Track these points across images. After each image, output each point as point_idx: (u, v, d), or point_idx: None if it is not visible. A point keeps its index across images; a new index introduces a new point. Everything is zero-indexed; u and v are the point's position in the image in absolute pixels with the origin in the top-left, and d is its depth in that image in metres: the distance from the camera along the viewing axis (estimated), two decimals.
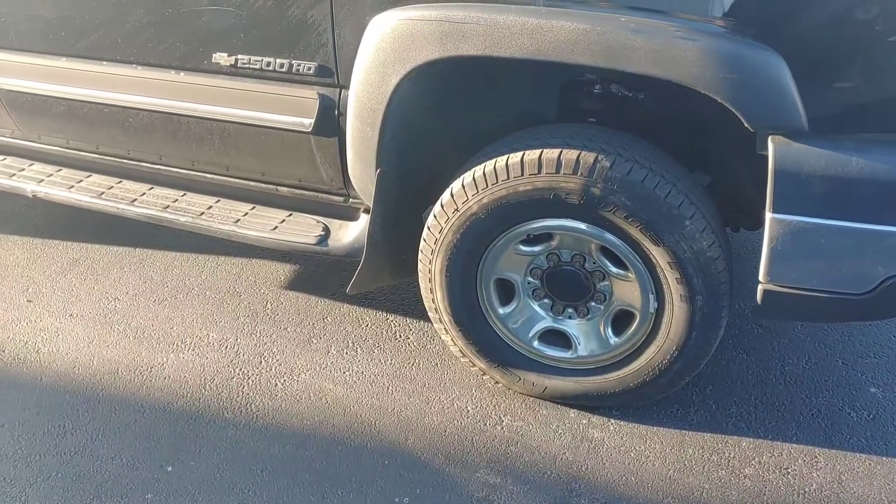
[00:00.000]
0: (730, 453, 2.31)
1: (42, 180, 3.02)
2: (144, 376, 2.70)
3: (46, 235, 3.53)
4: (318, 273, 3.20)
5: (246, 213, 2.74)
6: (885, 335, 2.69)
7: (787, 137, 1.88)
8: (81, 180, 3.00)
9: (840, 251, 1.94)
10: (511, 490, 2.23)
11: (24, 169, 3.10)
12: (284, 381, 2.65)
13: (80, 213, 3.37)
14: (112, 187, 2.95)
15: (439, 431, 2.43)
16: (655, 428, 2.40)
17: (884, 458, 2.26)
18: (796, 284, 2.03)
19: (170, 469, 2.35)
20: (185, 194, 2.87)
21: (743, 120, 1.88)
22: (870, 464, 2.24)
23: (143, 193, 2.90)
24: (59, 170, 3.06)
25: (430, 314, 2.49)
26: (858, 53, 1.89)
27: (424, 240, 2.36)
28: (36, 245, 3.47)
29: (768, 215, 1.95)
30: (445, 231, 2.29)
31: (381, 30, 2.10)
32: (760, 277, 2.06)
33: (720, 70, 1.83)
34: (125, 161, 2.88)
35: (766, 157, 1.92)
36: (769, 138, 1.90)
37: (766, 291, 2.07)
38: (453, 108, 2.41)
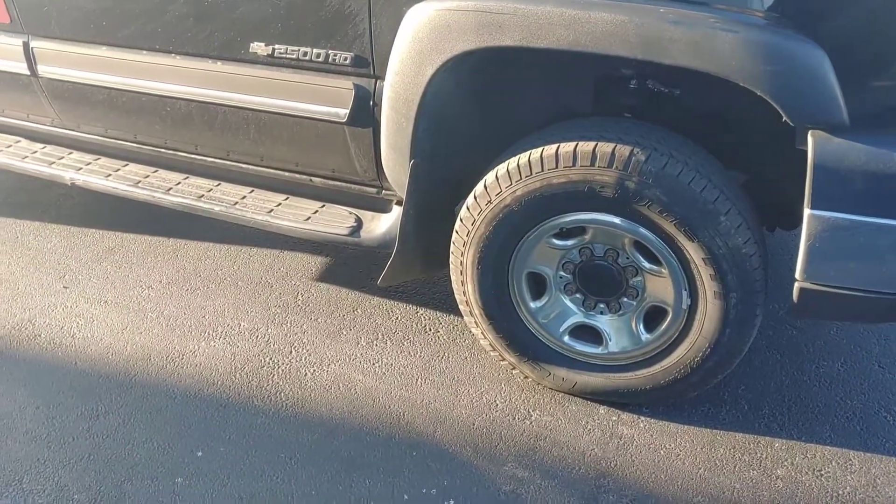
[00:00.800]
0: (762, 454, 2.28)
1: (80, 168, 3.06)
2: (176, 363, 2.73)
3: (83, 224, 3.58)
4: (348, 265, 3.21)
5: (279, 204, 2.76)
6: None
7: (828, 132, 1.85)
8: (119, 169, 3.04)
9: (880, 249, 1.91)
10: (539, 484, 2.22)
11: (63, 157, 3.15)
12: (314, 370, 2.66)
13: (115, 202, 3.43)
14: (148, 176, 2.98)
15: (468, 424, 2.43)
16: (686, 426, 2.38)
17: None
18: (834, 283, 2.00)
19: (200, 454, 2.37)
20: (219, 184, 2.90)
21: (783, 114, 1.86)
22: None
23: (179, 183, 2.93)
24: (98, 158, 3.11)
25: (460, 307, 2.49)
26: (888, 52, 1.86)
27: (457, 232, 2.36)
28: (73, 233, 3.52)
29: (806, 211, 1.93)
30: (478, 223, 2.28)
31: (418, 20, 2.10)
32: (797, 275, 2.03)
33: (760, 62, 1.81)
34: (162, 150, 2.92)
35: (804, 153, 1.90)
36: (809, 133, 1.87)
37: (802, 290, 2.03)
38: (488, 100, 2.40)
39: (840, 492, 2.15)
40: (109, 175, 3.01)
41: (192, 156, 2.87)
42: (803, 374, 2.54)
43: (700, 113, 2.34)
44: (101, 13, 2.62)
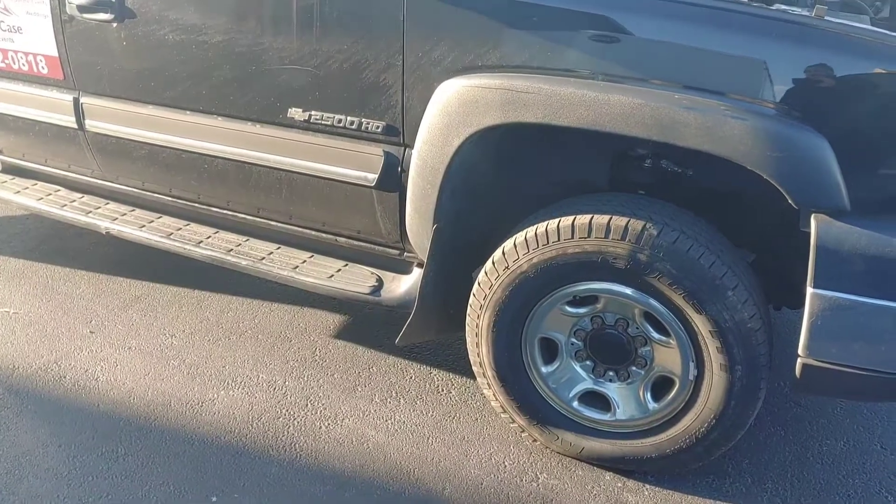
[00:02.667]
0: None
1: (116, 219, 3.21)
2: (195, 410, 2.81)
3: (111, 272, 3.71)
4: (365, 324, 3.31)
5: (304, 261, 2.88)
6: None
7: (830, 216, 1.96)
8: (153, 220, 3.18)
9: (879, 329, 2.00)
10: None
11: (99, 207, 3.30)
12: (328, 424, 2.74)
13: (144, 253, 3.56)
14: (181, 229, 3.12)
15: (476, 483, 2.49)
16: (690, 496, 2.43)
17: None
18: (835, 360, 2.08)
19: (214, 500, 2.44)
20: (247, 239, 3.03)
21: (788, 197, 1.98)
22: None
23: (209, 236, 3.06)
24: (132, 210, 3.26)
25: (474, 368, 2.58)
26: (885, 146, 1.97)
27: (474, 295, 2.46)
28: (101, 280, 3.64)
29: (809, 290, 2.02)
30: (495, 287, 2.39)
31: (448, 94, 2.25)
32: (800, 351, 2.11)
33: (768, 148, 1.94)
34: (195, 205, 3.05)
35: (808, 234, 2.01)
36: (812, 216, 1.98)
37: (805, 366, 2.12)
38: (509, 172, 2.54)
39: None
40: (143, 226, 3.15)
41: (224, 211, 3.01)
42: (806, 451, 2.60)
43: (711, 193, 2.45)
44: (150, 75, 2.79)
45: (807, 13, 2.03)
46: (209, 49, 2.62)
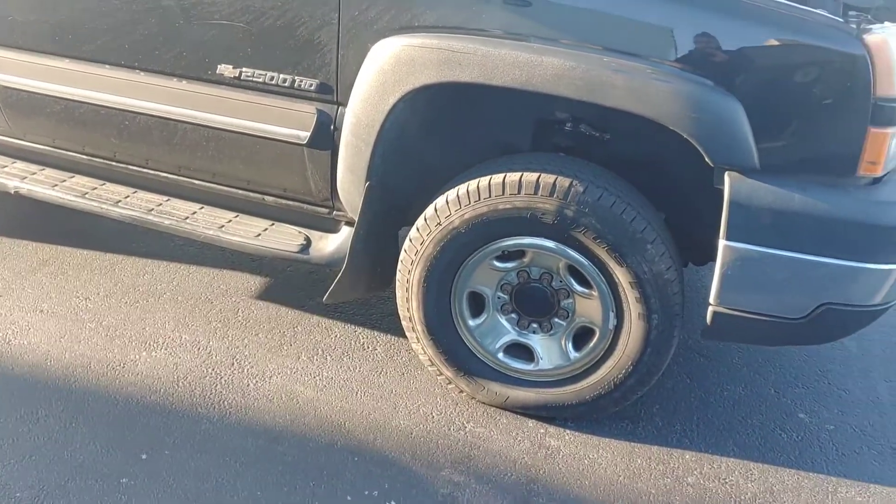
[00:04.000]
0: (674, 464, 2.51)
1: (25, 178, 3.09)
2: (117, 371, 2.77)
3: (15, 235, 3.57)
4: (287, 285, 3.33)
5: (230, 221, 2.87)
6: (813, 368, 2.96)
7: (742, 173, 2.14)
8: (65, 180, 3.09)
9: (782, 278, 2.20)
10: (474, 488, 2.38)
11: (6, 166, 3.16)
12: (256, 382, 2.76)
13: (48, 215, 3.46)
14: (96, 188, 3.04)
15: (406, 433, 2.57)
16: (607, 439, 2.59)
17: (811, 474, 2.49)
18: (743, 308, 2.28)
19: (144, 456, 2.43)
20: (168, 199, 2.98)
21: (705, 155, 2.14)
22: (798, 478, 2.47)
23: (128, 196, 3.00)
24: (43, 169, 3.14)
25: (403, 323, 2.65)
26: (799, 109, 2.16)
27: (405, 251, 2.53)
28: (4, 244, 3.50)
29: (721, 243, 2.20)
30: (427, 243, 2.47)
31: (386, 53, 2.30)
32: (711, 300, 2.30)
33: (688, 110, 2.09)
34: (111, 163, 2.98)
35: (715, 197, 2.18)
36: (725, 173, 2.15)
37: (715, 313, 2.31)
38: (438, 132, 2.61)
39: (742, 497, 2.40)
40: (56, 185, 3.05)
41: (143, 170, 2.95)
42: (710, 396, 2.81)
43: (626, 156, 2.60)
44: (68, 27, 2.71)
45: None
46: (133, 1, 2.56)
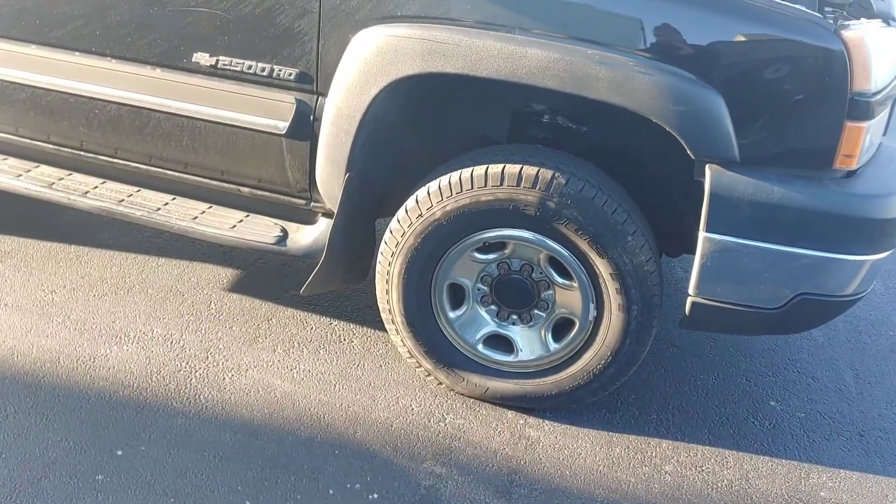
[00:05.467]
0: (652, 452, 2.54)
1: None
2: (87, 366, 2.71)
3: None
4: (260, 278, 3.28)
5: (203, 212, 2.82)
6: (782, 357, 3.02)
7: (722, 166, 2.17)
8: (30, 170, 3.00)
9: (760, 269, 2.24)
10: (456, 479, 2.38)
11: None
12: (232, 375, 2.72)
13: (9, 206, 3.36)
14: (62, 178, 2.96)
15: (386, 426, 2.56)
16: (586, 429, 2.62)
17: (783, 460, 2.55)
18: (721, 298, 2.31)
19: (119, 453, 2.38)
20: (139, 190, 2.92)
21: (686, 147, 2.16)
22: (772, 464, 2.53)
23: (96, 186, 2.93)
24: (6, 159, 3.05)
25: (382, 315, 2.64)
26: (779, 103, 2.19)
27: (386, 242, 2.52)
28: None
29: (701, 234, 2.23)
30: (408, 235, 2.46)
31: (368, 43, 2.28)
32: (690, 291, 2.33)
33: (671, 102, 2.11)
34: (79, 153, 2.90)
35: (697, 184, 2.21)
36: (707, 166, 2.18)
37: (694, 304, 2.34)
38: (417, 123, 2.60)
39: (719, 484, 2.44)
40: (20, 175, 2.96)
41: (112, 160, 2.87)
42: (684, 385, 2.86)
43: (603, 148, 2.62)
44: (35, 12, 2.63)
45: None
46: None
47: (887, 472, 2.52)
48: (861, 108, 2.12)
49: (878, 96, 2.14)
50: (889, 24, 2.29)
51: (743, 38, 2.13)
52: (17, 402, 2.53)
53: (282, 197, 2.72)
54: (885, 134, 2.42)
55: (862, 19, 2.24)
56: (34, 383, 2.61)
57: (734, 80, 2.15)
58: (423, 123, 2.63)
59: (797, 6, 2.17)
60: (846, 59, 2.07)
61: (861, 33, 2.11)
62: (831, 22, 2.12)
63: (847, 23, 2.14)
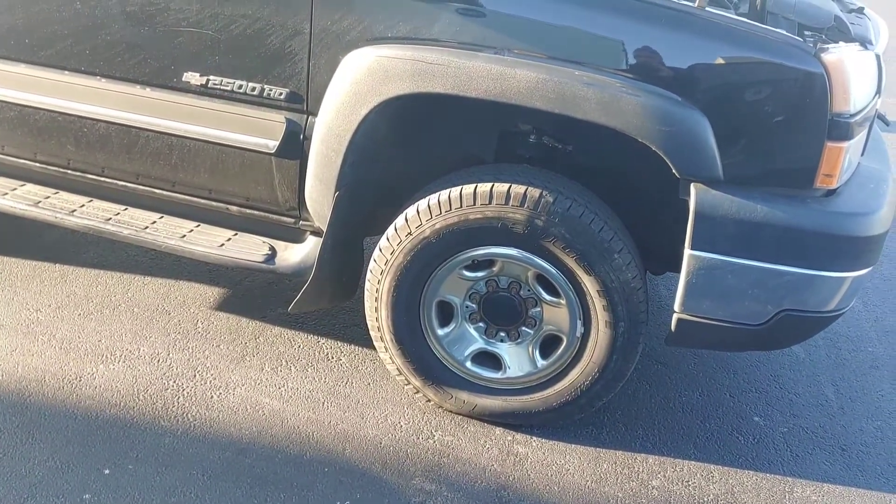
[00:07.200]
0: (639, 468, 2.57)
1: None
2: (73, 385, 2.70)
3: None
4: (246, 296, 3.29)
5: (191, 230, 2.82)
6: (764, 373, 3.06)
7: (707, 185, 2.21)
8: (16, 188, 2.99)
9: (744, 286, 2.28)
10: (446, 496, 2.39)
11: None
12: (220, 393, 2.72)
13: None
14: (49, 197, 2.96)
15: (375, 443, 2.57)
16: (573, 445, 2.64)
17: (768, 475, 2.58)
18: (706, 315, 2.35)
19: (107, 472, 2.37)
20: (126, 209, 2.91)
21: (672, 167, 2.20)
22: (756, 479, 2.56)
23: (83, 205, 2.92)
24: None
25: (371, 332, 2.65)
26: (761, 123, 2.24)
27: (375, 260, 2.54)
28: None
29: (687, 252, 2.27)
30: (397, 253, 2.48)
31: (359, 64, 2.31)
32: (676, 308, 2.37)
33: (657, 123, 2.16)
34: (65, 171, 2.90)
35: (682, 202, 2.25)
36: (691, 185, 2.22)
37: (679, 320, 2.38)
38: (405, 143, 2.63)
39: (705, 499, 2.47)
40: (6, 194, 2.95)
41: (99, 178, 2.87)
42: (669, 401, 2.89)
43: (588, 168, 2.66)
44: (24, 31, 2.64)
45: (690, 3, 2.25)
46: (96, 6, 2.52)
47: (869, 486, 2.56)
48: (841, 129, 2.17)
49: (857, 117, 2.20)
50: (866, 48, 2.35)
51: (726, 61, 2.18)
52: (3, 421, 2.51)
53: (271, 215, 2.73)
54: (863, 154, 2.47)
55: (840, 43, 2.30)
56: (20, 402, 2.60)
57: (718, 101, 2.20)
58: (411, 143, 2.66)
59: (778, 30, 2.23)
60: (826, 82, 2.13)
61: (840, 56, 2.17)
62: (811, 45, 2.18)
63: (826, 46, 2.20)
